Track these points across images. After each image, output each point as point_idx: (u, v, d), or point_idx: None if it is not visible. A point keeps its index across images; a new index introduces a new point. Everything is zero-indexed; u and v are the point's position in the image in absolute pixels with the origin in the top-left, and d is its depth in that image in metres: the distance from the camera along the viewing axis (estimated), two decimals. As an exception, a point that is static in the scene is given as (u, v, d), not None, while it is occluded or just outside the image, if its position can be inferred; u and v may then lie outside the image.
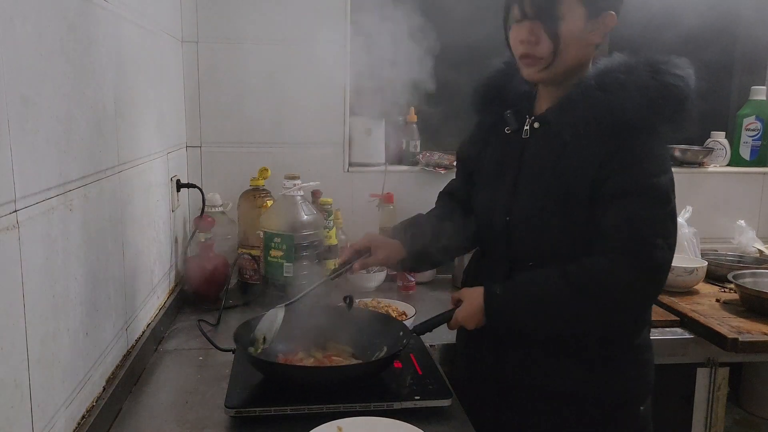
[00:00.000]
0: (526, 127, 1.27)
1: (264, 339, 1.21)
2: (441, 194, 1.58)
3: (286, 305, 1.26)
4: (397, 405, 1.12)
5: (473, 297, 1.24)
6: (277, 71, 2.00)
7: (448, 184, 1.59)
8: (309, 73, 2.01)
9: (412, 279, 1.93)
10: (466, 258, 1.94)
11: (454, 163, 2.07)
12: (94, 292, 1.07)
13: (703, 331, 1.57)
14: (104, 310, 1.13)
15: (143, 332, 1.39)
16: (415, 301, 1.80)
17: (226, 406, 1.10)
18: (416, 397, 1.14)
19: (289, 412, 1.10)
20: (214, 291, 1.77)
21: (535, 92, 1.31)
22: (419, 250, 1.39)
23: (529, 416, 1.26)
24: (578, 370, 1.22)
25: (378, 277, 1.89)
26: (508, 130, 1.30)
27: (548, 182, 1.21)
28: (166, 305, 1.59)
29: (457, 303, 1.29)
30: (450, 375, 1.31)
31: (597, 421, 1.24)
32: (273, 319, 1.24)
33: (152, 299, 1.50)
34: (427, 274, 2.01)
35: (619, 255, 1.13)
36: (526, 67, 1.21)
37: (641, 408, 1.29)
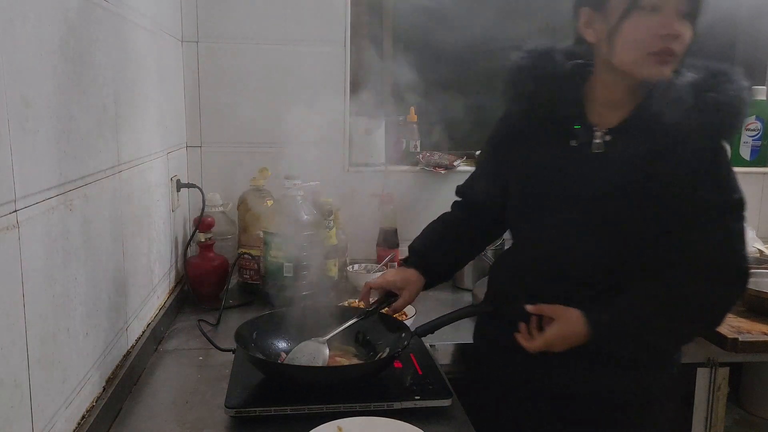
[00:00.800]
0: (597, 141, 1.16)
1: None
2: (459, 203, 1.49)
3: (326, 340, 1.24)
4: (397, 405, 1.12)
5: (572, 322, 1.13)
6: (277, 71, 2.00)
7: (465, 189, 1.47)
8: (309, 73, 2.01)
9: (412, 279, 1.93)
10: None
11: (455, 163, 2.08)
12: (94, 292, 1.07)
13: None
14: (104, 310, 1.13)
15: (143, 332, 1.39)
16: (415, 301, 1.80)
17: (226, 406, 1.10)
18: (416, 397, 1.14)
19: (289, 412, 1.10)
20: (214, 291, 1.77)
21: (580, 98, 1.19)
22: (439, 273, 1.40)
23: (552, 419, 1.23)
24: (607, 371, 1.19)
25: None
26: (574, 143, 1.17)
27: (639, 199, 1.12)
28: (166, 305, 1.59)
29: (542, 320, 1.18)
30: (461, 375, 1.31)
31: (622, 420, 1.22)
32: (316, 353, 1.21)
33: (152, 299, 1.50)
34: (427, 274, 2.01)
35: (719, 272, 1.11)
36: (660, 65, 1.07)
37: (666, 405, 1.27)
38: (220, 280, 1.79)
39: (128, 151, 1.29)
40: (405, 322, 1.52)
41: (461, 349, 1.52)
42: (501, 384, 1.30)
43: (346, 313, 1.33)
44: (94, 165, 1.08)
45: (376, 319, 1.33)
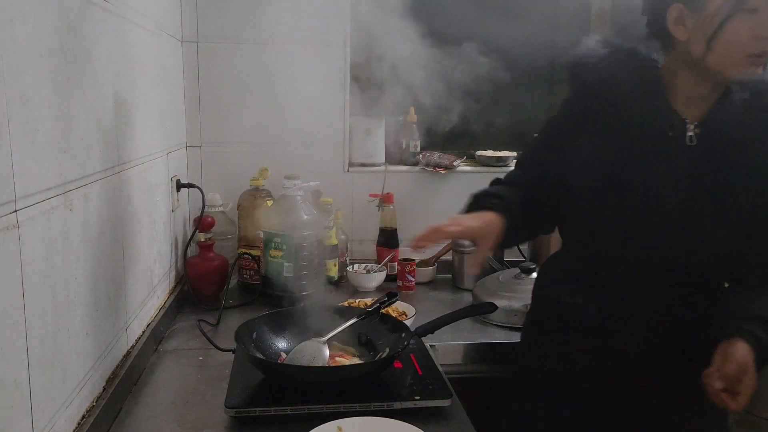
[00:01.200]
0: (690, 134, 1.13)
1: None
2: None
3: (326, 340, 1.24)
4: (397, 405, 1.12)
5: (739, 354, 1.01)
6: (277, 71, 1.99)
7: (510, 185, 1.30)
8: (309, 73, 2.01)
9: (412, 279, 1.93)
10: (467, 257, 1.94)
11: (455, 163, 2.08)
12: (94, 292, 1.07)
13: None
14: (104, 310, 1.13)
15: (143, 332, 1.39)
16: (415, 301, 1.80)
17: (226, 406, 1.10)
18: (416, 398, 1.14)
19: (289, 412, 1.10)
20: (214, 291, 1.77)
21: (660, 90, 1.15)
22: (518, 224, 1.19)
23: None
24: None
25: (378, 277, 1.89)
26: (671, 134, 1.13)
27: (742, 194, 1.11)
28: (167, 305, 1.59)
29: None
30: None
31: None
32: (316, 354, 1.21)
33: (152, 299, 1.50)
34: (427, 274, 2.01)
35: None
36: (755, 67, 1.07)
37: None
38: (220, 280, 1.79)
39: (128, 152, 1.29)
40: (405, 322, 1.52)
41: (468, 350, 1.52)
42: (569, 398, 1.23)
43: (346, 313, 1.33)
44: (94, 165, 1.08)
45: (377, 319, 1.33)
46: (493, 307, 1.29)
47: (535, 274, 1.70)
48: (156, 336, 1.46)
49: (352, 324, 1.27)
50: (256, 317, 1.32)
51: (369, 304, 1.62)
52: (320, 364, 1.18)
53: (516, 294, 1.63)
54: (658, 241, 1.13)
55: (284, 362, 1.23)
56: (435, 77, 2.22)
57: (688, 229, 1.12)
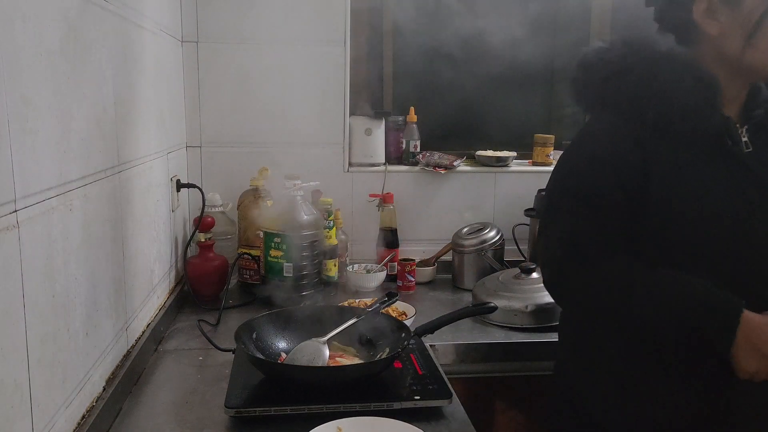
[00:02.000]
0: (744, 139, 1.07)
1: None
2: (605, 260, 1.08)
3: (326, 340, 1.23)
4: (397, 405, 1.12)
5: None
6: (277, 71, 2.00)
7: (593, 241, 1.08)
8: (308, 73, 2.01)
9: (412, 279, 1.93)
10: (467, 257, 1.95)
11: (455, 163, 2.08)
12: (94, 292, 1.07)
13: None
14: (104, 310, 1.13)
15: (143, 332, 1.39)
16: (414, 301, 1.80)
17: (226, 406, 1.10)
18: (416, 398, 1.14)
19: (288, 412, 1.10)
20: (214, 291, 1.77)
21: (714, 94, 1.05)
22: None
23: None
24: None
25: (378, 277, 1.89)
26: (730, 143, 1.06)
27: None
28: (167, 305, 1.59)
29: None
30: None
31: None
32: (316, 354, 1.21)
33: (152, 299, 1.50)
34: (427, 274, 2.01)
35: None
36: None
37: None
38: (220, 280, 1.79)
39: (128, 152, 1.29)
40: (405, 322, 1.52)
41: (468, 350, 1.51)
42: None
43: (346, 313, 1.33)
44: (94, 165, 1.08)
45: (377, 319, 1.33)
46: (493, 308, 1.29)
47: (535, 274, 1.70)
48: (156, 336, 1.46)
49: (351, 324, 1.27)
50: (256, 317, 1.32)
51: (369, 304, 1.62)
52: (320, 365, 1.18)
53: (516, 294, 1.63)
54: (757, 261, 1.05)
55: (284, 362, 1.23)
56: (435, 77, 2.23)
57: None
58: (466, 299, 1.85)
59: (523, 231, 2.05)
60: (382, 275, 1.90)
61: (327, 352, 1.20)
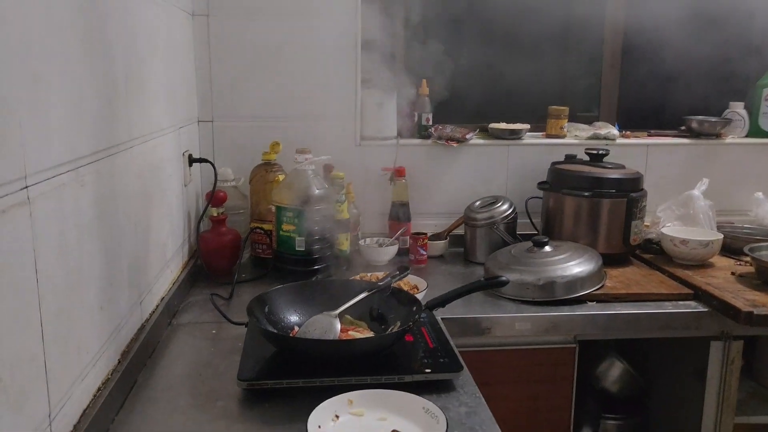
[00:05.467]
0: None
1: None
2: None
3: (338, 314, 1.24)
4: (408, 378, 1.13)
5: None
6: (288, 44, 1.98)
7: None
8: (320, 46, 1.99)
9: (424, 253, 1.93)
10: (479, 230, 1.94)
11: (467, 136, 2.06)
12: (107, 267, 1.08)
13: (717, 305, 1.56)
14: (118, 285, 1.15)
15: (157, 306, 1.41)
16: (426, 275, 1.80)
17: (238, 378, 1.11)
18: (427, 371, 1.14)
19: (301, 385, 1.11)
20: (227, 265, 1.78)
21: None
22: None
23: None
24: None
25: (390, 251, 1.89)
26: None
27: None
28: (180, 279, 1.60)
29: None
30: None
31: None
32: (327, 327, 1.22)
33: (166, 273, 1.51)
34: (439, 247, 2.00)
35: None
36: None
37: None
38: (233, 254, 1.80)
39: (139, 127, 1.29)
40: (417, 295, 1.52)
41: (480, 323, 1.51)
42: None
43: (357, 287, 1.33)
44: (105, 141, 1.08)
45: (388, 293, 1.33)
46: (505, 282, 1.29)
47: (548, 248, 1.70)
48: (170, 310, 1.48)
49: (363, 298, 1.28)
50: (269, 291, 1.32)
51: (380, 278, 1.63)
52: (331, 338, 1.19)
53: (529, 268, 1.63)
54: None
55: (296, 335, 1.24)
56: (447, 49, 2.20)
57: None
58: (478, 273, 1.85)
59: (536, 204, 2.04)
60: (394, 249, 1.91)
61: (338, 326, 1.21)
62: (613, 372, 1.89)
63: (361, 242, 1.93)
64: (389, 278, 1.34)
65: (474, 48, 2.22)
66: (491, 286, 1.31)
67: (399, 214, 2.00)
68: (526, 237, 1.94)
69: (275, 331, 1.23)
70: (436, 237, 2.04)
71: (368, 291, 1.29)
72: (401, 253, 1.95)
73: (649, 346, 1.88)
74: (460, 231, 2.04)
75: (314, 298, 1.32)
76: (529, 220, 2.05)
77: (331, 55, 1.99)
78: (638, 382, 1.89)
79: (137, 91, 1.28)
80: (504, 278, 1.30)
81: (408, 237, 1.97)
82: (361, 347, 1.18)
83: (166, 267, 1.52)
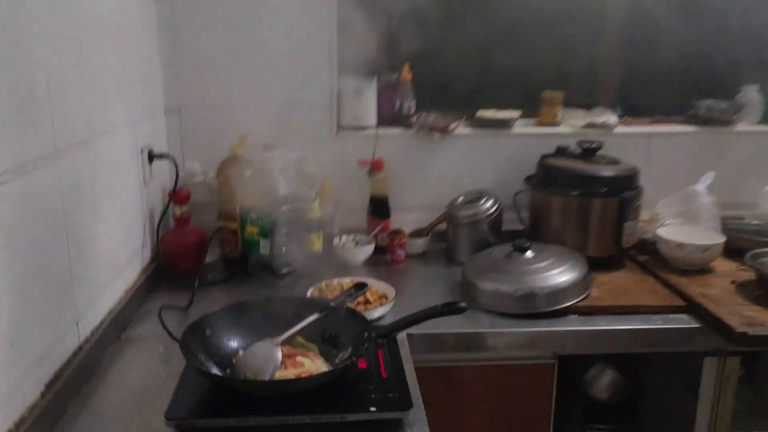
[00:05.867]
0: None
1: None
2: None
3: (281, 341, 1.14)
4: (351, 417, 1.03)
5: None
6: (260, 26, 1.85)
7: None
8: (293, 28, 1.85)
9: (402, 253, 1.81)
10: (461, 228, 1.82)
11: (452, 126, 1.92)
12: (20, 298, 0.99)
13: (710, 320, 1.43)
14: (39, 312, 1.05)
15: (102, 321, 1.31)
16: (402, 278, 1.71)
17: (166, 417, 1.02)
18: (372, 409, 1.05)
19: (233, 424, 1.02)
20: (193, 266, 1.69)
21: None
22: None
23: None
24: None
25: (365, 251, 1.78)
26: None
27: None
28: (136, 286, 1.52)
29: None
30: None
31: None
32: (268, 357, 1.12)
33: (117, 283, 1.42)
34: (420, 245, 1.89)
35: None
36: None
37: None
38: (199, 254, 1.70)
39: (69, 134, 1.18)
40: (384, 307, 1.42)
41: (448, 339, 1.41)
42: None
43: (308, 308, 1.23)
44: (15, 158, 0.97)
45: (341, 314, 1.23)
46: (463, 309, 1.18)
47: (529, 253, 1.57)
48: (121, 322, 1.40)
49: (312, 321, 1.18)
50: (208, 315, 1.22)
51: (344, 284, 1.53)
52: (271, 369, 1.09)
53: (507, 276, 1.51)
54: None
55: (237, 363, 1.15)
56: (433, 29, 2.04)
57: None
58: (458, 275, 1.73)
59: (526, 198, 1.90)
60: (370, 249, 1.80)
61: (279, 356, 1.11)
62: (603, 379, 1.78)
63: (336, 241, 1.82)
64: (342, 298, 1.23)
65: (463, 28, 2.05)
66: (447, 313, 1.19)
67: (378, 210, 1.89)
68: (512, 234, 1.83)
69: (208, 370, 1.11)
70: (417, 234, 1.92)
71: (318, 313, 1.19)
72: (378, 251, 1.84)
73: (640, 354, 1.76)
74: (444, 226, 1.92)
75: (260, 321, 1.22)
76: (516, 215, 1.92)
77: (304, 36, 1.86)
78: (629, 389, 1.78)
79: (69, 94, 1.17)
80: (462, 304, 1.18)
81: (386, 234, 1.85)
82: (299, 387, 1.07)
83: (118, 276, 1.43)
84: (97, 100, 1.31)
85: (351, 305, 1.29)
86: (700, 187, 1.84)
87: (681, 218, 1.84)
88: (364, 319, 1.21)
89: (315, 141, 1.90)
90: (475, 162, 1.97)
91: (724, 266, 1.70)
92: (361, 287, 1.27)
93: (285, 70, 1.88)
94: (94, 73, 1.30)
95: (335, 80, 1.90)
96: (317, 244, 1.79)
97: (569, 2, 2.07)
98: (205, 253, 1.70)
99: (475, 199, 1.85)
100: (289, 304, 1.25)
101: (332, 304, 1.22)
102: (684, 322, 1.47)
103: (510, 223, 1.91)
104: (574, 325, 1.45)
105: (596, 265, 1.65)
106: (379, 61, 2.01)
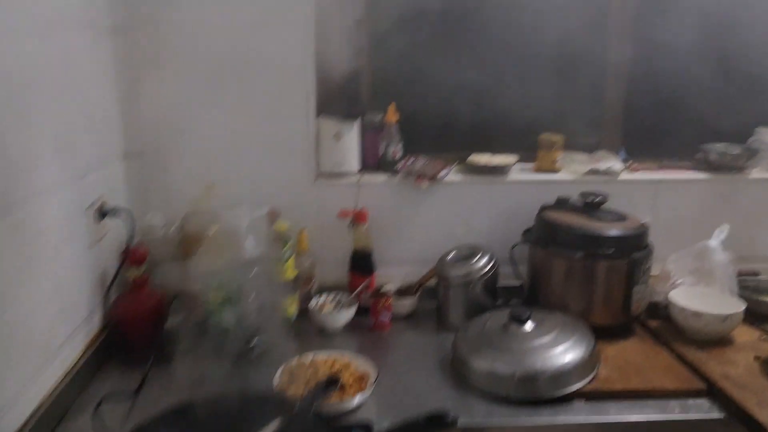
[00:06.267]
0: None
1: None
2: None
3: None
4: None
5: None
6: (232, 62, 1.67)
7: None
8: (267, 65, 1.67)
9: (387, 317, 1.62)
10: (453, 289, 1.64)
11: (441, 173, 1.75)
12: None
13: (735, 410, 1.25)
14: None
15: (26, 422, 1.12)
16: (386, 347, 1.53)
17: None
18: None
19: None
20: (149, 337, 1.49)
21: None
22: None
23: None
24: None
25: (344, 316, 1.59)
26: None
27: None
28: (77, 367, 1.32)
29: None
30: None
31: None
32: None
33: (51, 368, 1.23)
34: (407, 305, 1.70)
35: None
36: None
37: None
38: (157, 322, 1.51)
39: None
40: (361, 394, 1.24)
41: None
42: None
43: (269, 410, 1.04)
44: None
45: (309, 418, 1.04)
46: (452, 422, 0.99)
47: (529, 325, 1.39)
48: (55, 414, 1.20)
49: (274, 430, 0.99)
50: (147, 424, 1.03)
51: (319, 362, 1.34)
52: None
53: (504, 355, 1.33)
54: None
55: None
56: (421, 68, 1.87)
57: None
58: (448, 344, 1.54)
59: (523, 250, 1.72)
60: (350, 313, 1.61)
61: None
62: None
63: (313, 302, 1.64)
64: (310, 398, 1.04)
65: (457, 65, 1.89)
66: (431, 429, 1.00)
67: (360, 265, 1.70)
68: (509, 290, 1.66)
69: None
70: (404, 291, 1.74)
71: (281, 421, 1.00)
72: (361, 312, 1.65)
73: None
74: (434, 281, 1.73)
75: (212, 427, 1.03)
76: (513, 270, 1.74)
77: (280, 74, 1.68)
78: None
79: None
80: (450, 418, 1.00)
81: (370, 292, 1.67)
82: None
83: (52, 359, 1.24)
84: (24, 158, 1.12)
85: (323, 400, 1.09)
86: (714, 242, 1.66)
87: (694, 276, 1.66)
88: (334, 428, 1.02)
89: (291, 189, 1.72)
90: (467, 212, 1.79)
91: (744, 335, 1.52)
92: (333, 383, 1.08)
93: (259, 112, 1.70)
94: (23, 129, 1.11)
95: (312, 123, 1.72)
96: (291, 309, 1.60)
97: (569, 42, 1.90)
98: (164, 320, 1.51)
99: (467, 256, 1.67)
100: (248, 405, 1.06)
101: (297, 407, 1.02)
102: (705, 410, 1.28)
103: (506, 278, 1.73)
104: (581, 413, 1.27)
105: (603, 333, 1.47)
106: (362, 101, 1.85)
